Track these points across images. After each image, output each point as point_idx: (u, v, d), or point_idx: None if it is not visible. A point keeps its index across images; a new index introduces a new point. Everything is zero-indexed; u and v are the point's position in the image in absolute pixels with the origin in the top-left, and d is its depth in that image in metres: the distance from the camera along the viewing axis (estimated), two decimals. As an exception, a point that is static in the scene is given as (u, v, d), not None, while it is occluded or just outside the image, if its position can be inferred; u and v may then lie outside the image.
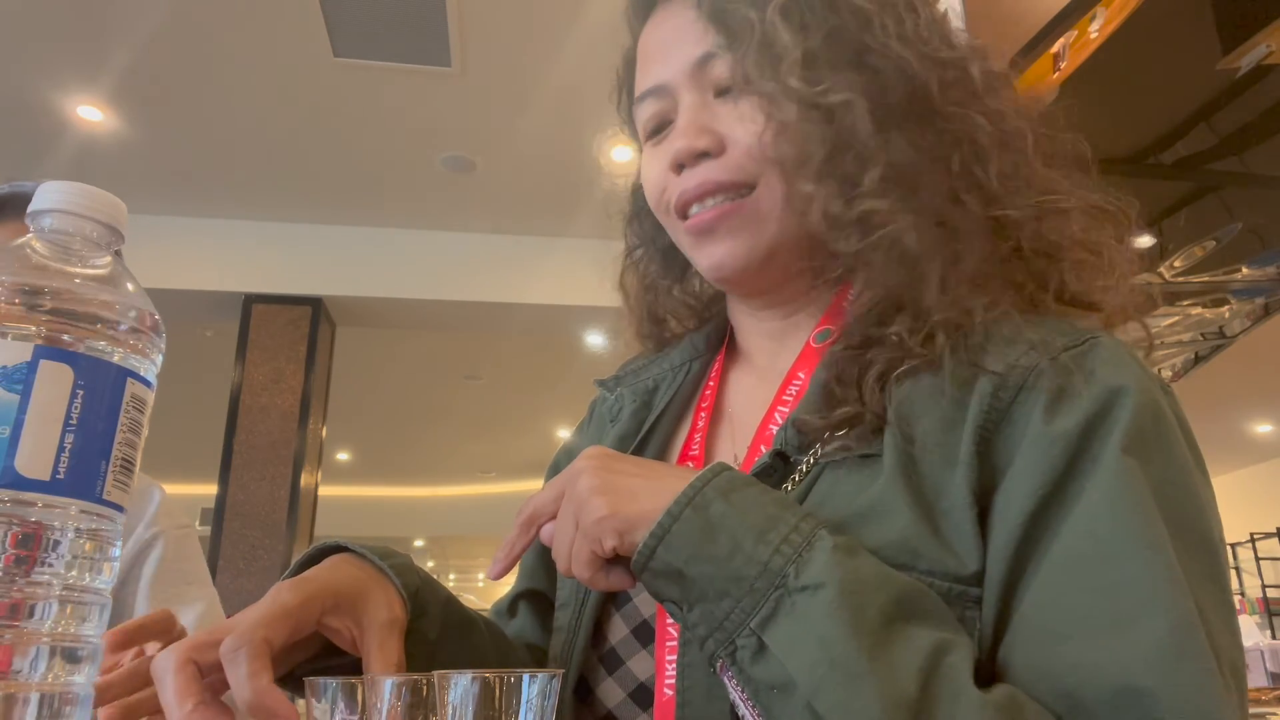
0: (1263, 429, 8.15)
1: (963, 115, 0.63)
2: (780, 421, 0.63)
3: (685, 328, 0.82)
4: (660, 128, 0.70)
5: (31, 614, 0.40)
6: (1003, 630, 0.51)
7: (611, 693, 0.63)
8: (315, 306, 4.91)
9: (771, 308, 0.71)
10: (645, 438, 0.72)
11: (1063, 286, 0.62)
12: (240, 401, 4.68)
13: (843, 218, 0.61)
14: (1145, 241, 0.66)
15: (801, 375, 0.65)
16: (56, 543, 0.41)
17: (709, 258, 0.67)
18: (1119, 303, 0.63)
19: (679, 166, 0.66)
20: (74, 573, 0.42)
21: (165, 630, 0.79)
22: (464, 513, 11.04)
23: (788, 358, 0.69)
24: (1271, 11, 1.60)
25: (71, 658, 0.42)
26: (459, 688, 0.40)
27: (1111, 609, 0.47)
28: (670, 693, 0.58)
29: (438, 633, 0.61)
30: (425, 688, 0.44)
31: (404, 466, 9.79)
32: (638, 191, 0.83)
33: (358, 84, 3.74)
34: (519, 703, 0.40)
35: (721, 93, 0.66)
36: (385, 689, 0.44)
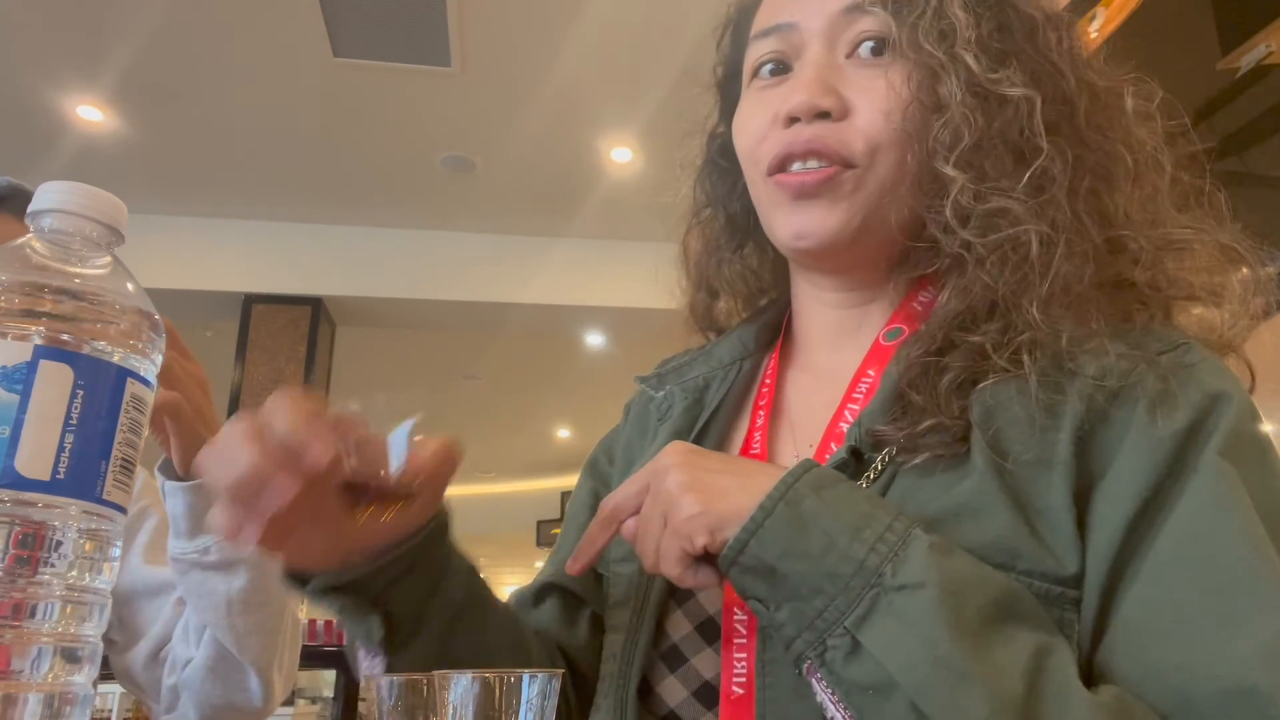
0: (1263, 428, 8.15)
1: (1104, 142, 0.62)
2: (850, 420, 0.62)
3: (735, 312, 0.80)
4: (775, 69, 0.66)
5: (33, 614, 0.40)
6: (1102, 631, 0.51)
7: (674, 691, 0.62)
8: (315, 306, 4.91)
9: (841, 291, 0.69)
10: (699, 436, 0.70)
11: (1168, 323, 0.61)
12: (240, 401, 4.68)
13: (969, 211, 0.59)
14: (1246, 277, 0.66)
15: (871, 373, 0.64)
16: (58, 543, 0.41)
17: (794, 223, 0.63)
18: (1227, 342, 0.63)
19: (791, 120, 0.62)
20: (75, 573, 0.42)
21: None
22: (463, 513, 10.89)
23: (849, 356, 0.67)
24: (1271, 11, 1.60)
25: (72, 658, 0.42)
26: (459, 688, 0.40)
27: (1218, 608, 0.47)
28: (740, 690, 0.57)
29: (463, 596, 0.62)
30: (425, 688, 0.44)
31: (404, 466, 9.76)
32: (712, 141, 0.78)
33: (358, 84, 3.74)
34: (519, 703, 0.40)
35: (853, 54, 0.63)
36: (385, 688, 0.44)
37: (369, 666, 0.61)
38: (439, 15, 3.30)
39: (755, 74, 0.68)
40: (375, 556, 0.58)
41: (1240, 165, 1.84)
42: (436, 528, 0.61)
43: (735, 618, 0.59)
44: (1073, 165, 0.60)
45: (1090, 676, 0.51)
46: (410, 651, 0.61)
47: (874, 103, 0.61)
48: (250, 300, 4.86)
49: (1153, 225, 0.62)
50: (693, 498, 0.52)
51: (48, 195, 0.45)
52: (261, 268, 4.88)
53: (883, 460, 0.58)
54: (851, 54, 0.64)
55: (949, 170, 0.59)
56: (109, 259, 0.46)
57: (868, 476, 0.58)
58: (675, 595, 0.65)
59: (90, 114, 3.93)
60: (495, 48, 3.52)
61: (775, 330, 0.77)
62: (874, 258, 0.66)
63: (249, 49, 3.54)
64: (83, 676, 0.42)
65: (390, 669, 0.60)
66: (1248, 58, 1.64)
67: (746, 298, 0.80)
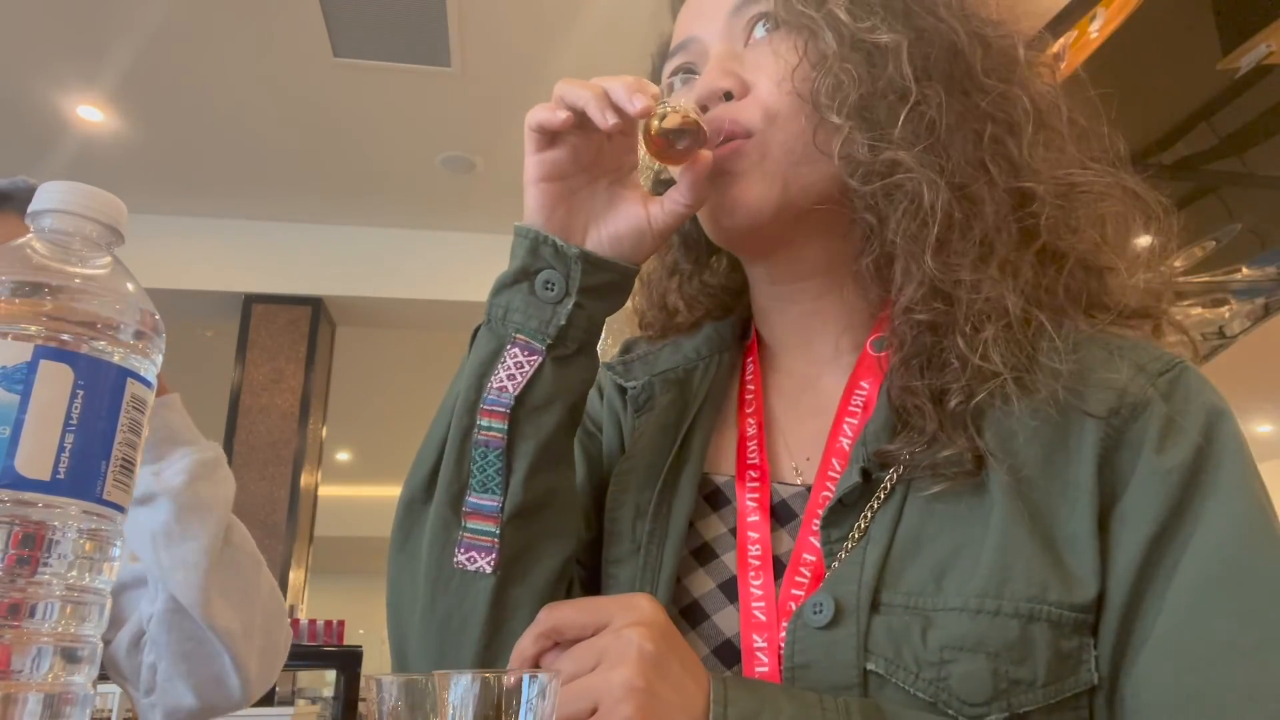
0: (1263, 429, 8.15)
1: (1003, 90, 0.63)
2: (850, 434, 0.62)
3: (693, 317, 0.78)
4: (685, 80, 0.69)
5: (32, 614, 0.40)
6: (1123, 654, 0.51)
7: (694, 646, 0.61)
8: (315, 306, 4.91)
9: (795, 283, 0.68)
10: (689, 433, 0.69)
11: (1080, 271, 0.62)
12: (240, 401, 4.68)
13: (865, 163, 0.59)
14: (1144, 241, 0.67)
15: (865, 385, 0.63)
16: (57, 543, 0.41)
17: (715, 203, 0.64)
18: (1140, 296, 0.63)
19: (702, 109, 0.64)
20: (74, 573, 0.42)
21: None
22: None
23: (827, 359, 0.67)
24: (1271, 11, 1.60)
25: (71, 658, 0.42)
26: (459, 688, 0.40)
27: (1258, 630, 0.48)
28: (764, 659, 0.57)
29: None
30: (424, 688, 0.44)
31: (404, 466, 9.74)
32: (663, 171, 0.80)
33: (358, 84, 3.74)
34: (519, 703, 0.40)
35: (749, 39, 0.65)
36: (385, 687, 0.44)
37: (516, 364, 0.62)
38: (439, 15, 3.30)
39: (669, 89, 0.70)
40: (619, 253, 0.63)
41: (1240, 165, 1.84)
42: (631, 284, 0.65)
43: (756, 644, 0.58)
44: (970, 113, 0.61)
45: (1112, 698, 0.51)
46: (559, 371, 0.62)
47: (767, 74, 0.63)
48: (250, 300, 4.86)
49: (1057, 166, 0.63)
50: (633, 708, 0.48)
51: (48, 195, 0.45)
52: (261, 268, 4.88)
53: (890, 480, 0.57)
54: (749, 40, 0.66)
55: (835, 119, 0.60)
56: (109, 259, 0.46)
57: (878, 497, 0.58)
58: (685, 614, 0.64)
59: (90, 114, 3.93)
60: (495, 48, 3.52)
61: (746, 330, 0.75)
62: (812, 238, 0.65)
63: (249, 49, 3.54)
64: (83, 676, 0.42)
65: (533, 377, 0.61)
66: (1248, 58, 1.64)
67: (707, 313, 0.79)
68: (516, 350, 0.62)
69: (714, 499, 0.67)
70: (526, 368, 0.61)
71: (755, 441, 0.67)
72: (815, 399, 0.67)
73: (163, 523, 0.94)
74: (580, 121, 0.59)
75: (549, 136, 0.62)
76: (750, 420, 0.69)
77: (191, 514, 0.95)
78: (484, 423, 0.60)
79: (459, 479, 0.61)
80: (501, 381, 0.61)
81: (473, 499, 0.61)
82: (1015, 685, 0.50)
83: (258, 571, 1.03)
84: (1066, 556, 0.53)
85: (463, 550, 0.60)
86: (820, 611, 0.54)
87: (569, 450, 0.64)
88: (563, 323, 0.61)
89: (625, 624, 0.50)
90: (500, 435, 0.60)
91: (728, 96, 0.63)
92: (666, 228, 0.63)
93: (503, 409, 0.60)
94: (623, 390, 0.75)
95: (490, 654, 0.59)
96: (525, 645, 0.54)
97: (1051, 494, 0.54)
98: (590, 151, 0.62)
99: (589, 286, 0.62)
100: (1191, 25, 1.72)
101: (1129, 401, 0.55)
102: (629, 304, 0.78)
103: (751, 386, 0.71)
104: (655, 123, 0.58)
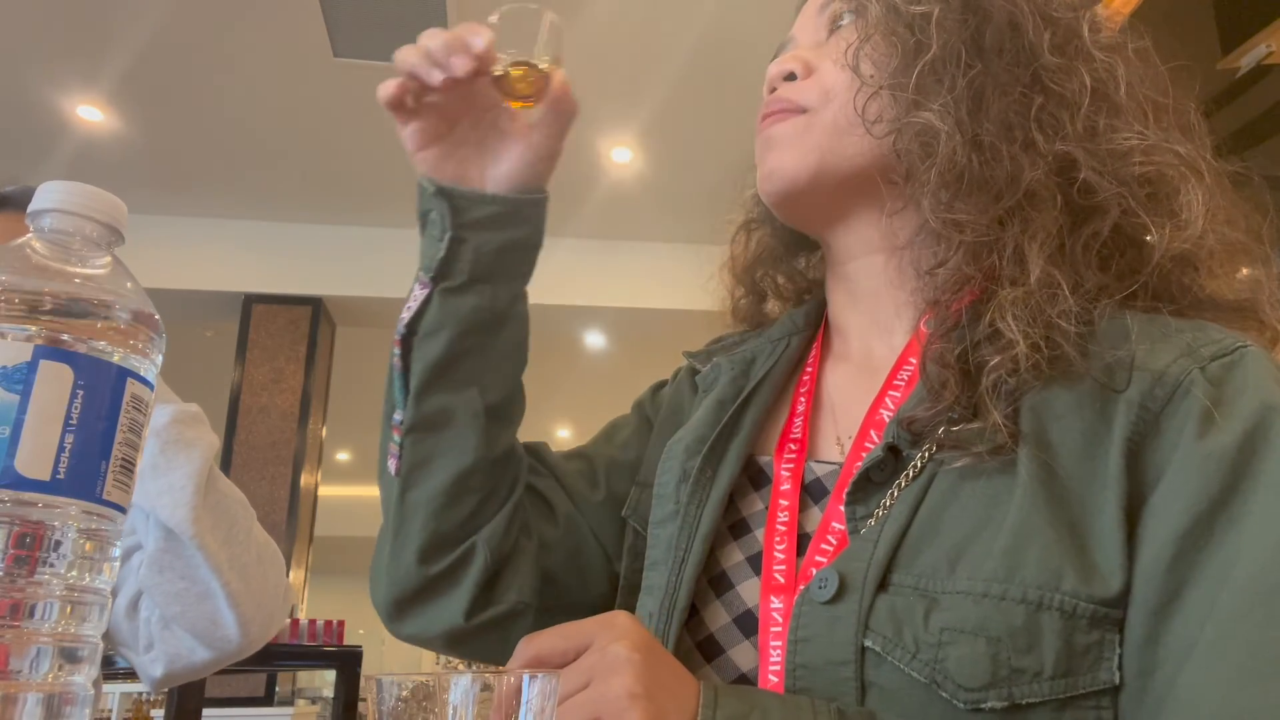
0: None
1: (1062, 64, 0.63)
2: (891, 408, 0.62)
3: (782, 309, 0.81)
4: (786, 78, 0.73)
5: (32, 614, 0.40)
6: (1154, 654, 0.49)
7: (716, 615, 0.63)
8: (315, 306, 4.92)
9: (855, 259, 0.70)
10: (742, 406, 0.70)
11: (1149, 255, 0.60)
12: (240, 401, 4.68)
13: (900, 126, 0.62)
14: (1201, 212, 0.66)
15: (912, 361, 0.63)
16: (58, 543, 0.41)
17: (762, 169, 0.68)
18: (1234, 289, 0.62)
19: (771, 90, 0.69)
20: (74, 573, 0.42)
21: None
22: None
23: (886, 344, 0.68)
24: (1271, 11, 1.60)
25: (71, 658, 0.42)
26: (459, 688, 0.40)
27: None
28: (775, 680, 0.56)
29: (507, 305, 0.73)
30: (425, 688, 0.44)
31: (404, 466, 9.77)
32: None
33: (358, 84, 3.74)
34: (519, 703, 0.40)
35: (832, 32, 0.70)
36: (385, 687, 0.44)
37: (414, 297, 0.70)
38: (439, 15, 3.30)
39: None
40: (498, 189, 0.69)
41: (1240, 165, 1.84)
42: (539, 212, 0.71)
43: (772, 605, 0.59)
44: (1022, 83, 0.62)
45: (1140, 699, 0.49)
46: (446, 300, 0.69)
47: (830, 57, 0.67)
48: (250, 300, 4.87)
49: (1110, 132, 0.62)
50: (639, 713, 0.47)
51: (47, 195, 0.45)
52: (261, 268, 4.89)
53: (921, 459, 0.57)
54: (831, 33, 0.70)
55: (876, 86, 0.63)
56: (109, 259, 0.46)
57: (906, 475, 0.57)
58: (713, 583, 0.64)
59: (90, 114, 3.93)
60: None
61: (822, 312, 0.77)
62: (865, 212, 0.67)
63: (249, 49, 3.54)
64: (83, 676, 0.42)
65: (420, 308, 0.70)
66: (1248, 58, 1.65)
67: (796, 300, 0.82)
68: (416, 286, 0.71)
69: (757, 479, 0.69)
70: (418, 299, 0.70)
71: (802, 418, 0.69)
72: (870, 378, 0.67)
73: (149, 456, 0.94)
74: (422, 82, 0.65)
75: (403, 106, 0.68)
76: (802, 398, 0.70)
77: (175, 447, 0.96)
78: (394, 350, 0.70)
79: (390, 400, 0.72)
80: (403, 314, 0.70)
81: (394, 415, 0.71)
82: (1018, 674, 0.49)
83: (248, 517, 1.02)
84: (1091, 547, 0.51)
85: (389, 457, 0.71)
86: (825, 586, 0.54)
87: (470, 375, 0.71)
88: (441, 255, 0.69)
89: (609, 641, 0.49)
90: (399, 359, 0.70)
91: (791, 78, 0.68)
92: (552, 150, 0.70)
93: (399, 336, 0.70)
94: (696, 372, 0.79)
95: (397, 544, 0.70)
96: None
97: (1086, 482, 0.52)
98: (459, 101, 0.68)
99: (468, 221, 0.69)
100: (1191, 25, 1.72)
101: (1167, 384, 0.53)
102: (726, 295, 0.84)
103: (810, 368, 0.72)
104: (495, 71, 0.64)
